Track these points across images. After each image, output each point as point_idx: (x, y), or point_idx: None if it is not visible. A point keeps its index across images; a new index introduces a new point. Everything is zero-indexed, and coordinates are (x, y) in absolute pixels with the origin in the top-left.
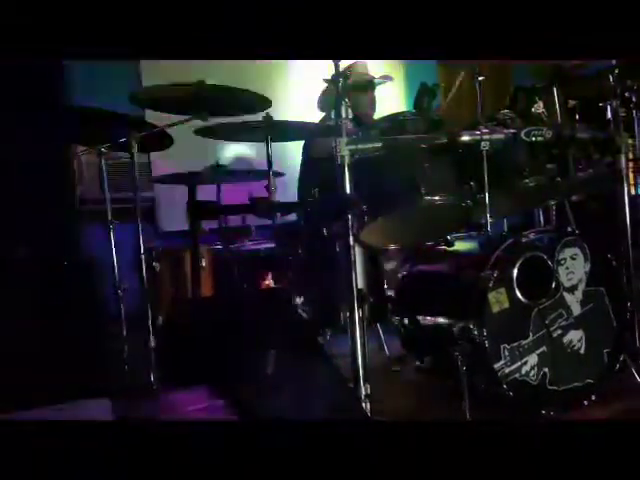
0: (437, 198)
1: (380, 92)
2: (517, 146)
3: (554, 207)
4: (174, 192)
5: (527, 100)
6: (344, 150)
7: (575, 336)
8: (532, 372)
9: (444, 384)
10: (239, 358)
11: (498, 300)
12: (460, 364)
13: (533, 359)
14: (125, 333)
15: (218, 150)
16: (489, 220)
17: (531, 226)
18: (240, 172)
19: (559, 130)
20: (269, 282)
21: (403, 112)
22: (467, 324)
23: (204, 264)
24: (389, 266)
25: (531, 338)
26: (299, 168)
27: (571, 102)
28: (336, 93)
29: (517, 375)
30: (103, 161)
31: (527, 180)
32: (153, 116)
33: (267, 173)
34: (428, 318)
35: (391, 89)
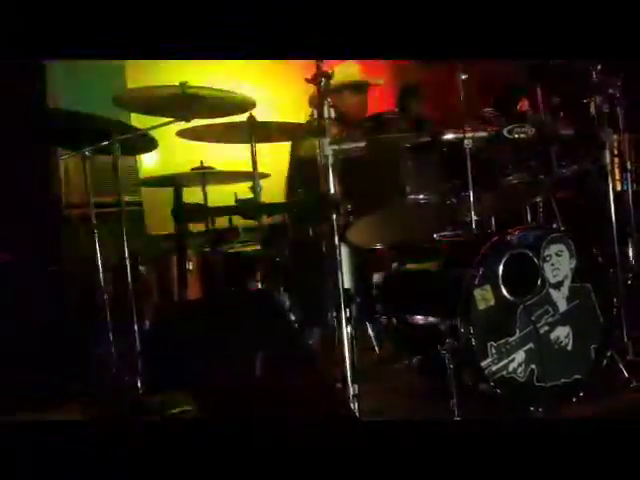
0: (422, 196)
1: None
2: (500, 144)
3: (541, 204)
4: (161, 195)
5: (512, 98)
6: (328, 150)
7: (562, 332)
8: (519, 369)
9: (433, 383)
10: (226, 360)
11: (484, 297)
12: (448, 362)
13: (520, 356)
14: (111, 337)
15: (203, 152)
16: (474, 218)
17: (518, 224)
18: (225, 174)
19: (542, 127)
20: (256, 284)
21: (387, 111)
22: (454, 322)
23: (191, 267)
24: (376, 265)
25: (518, 335)
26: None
27: (555, 99)
28: (318, 93)
29: (504, 372)
30: (87, 164)
31: (511, 177)
32: (140, 119)
33: (252, 174)
34: (416, 317)
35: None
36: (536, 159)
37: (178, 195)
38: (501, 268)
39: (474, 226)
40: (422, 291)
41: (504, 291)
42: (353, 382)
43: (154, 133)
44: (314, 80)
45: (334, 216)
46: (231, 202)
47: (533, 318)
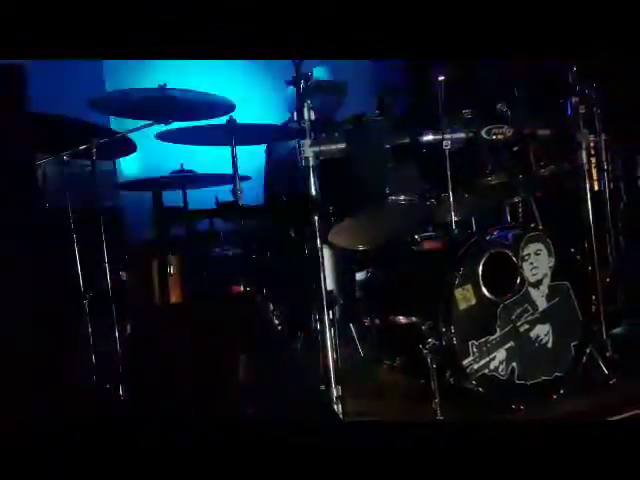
0: (402, 198)
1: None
2: (479, 145)
3: (520, 204)
4: (141, 199)
5: (489, 100)
6: (308, 152)
7: (542, 330)
8: (500, 367)
9: (416, 383)
10: (209, 364)
11: (465, 297)
12: (430, 362)
13: (501, 354)
14: (92, 343)
15: (183, 155)
16: (454, 218)
17: (497, 223)
18: (206, 177)
19: (519, 128)
20: (239, 287)
21: (366, 113)
22: (435, 322)
23: (172, 271)
24: (358, 267)
25: (498, 334)
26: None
27: (532, 100)
28: (298, 95)
29: (486, 371)
30: (65, 169)
31: (489, 178)
32: (119, 122)
33: (233, 177)
34: (398, 317)
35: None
36: (514, 160)
37: (158, 199)
38: (481, 268)
39: (454, 226)
40: (404, 292)
41: (484, 290)
42: (337, 384)
43: (133, 136)
44: (294, 82)
45: (316, 218)
46: (212, 205)
47: (513, 317)
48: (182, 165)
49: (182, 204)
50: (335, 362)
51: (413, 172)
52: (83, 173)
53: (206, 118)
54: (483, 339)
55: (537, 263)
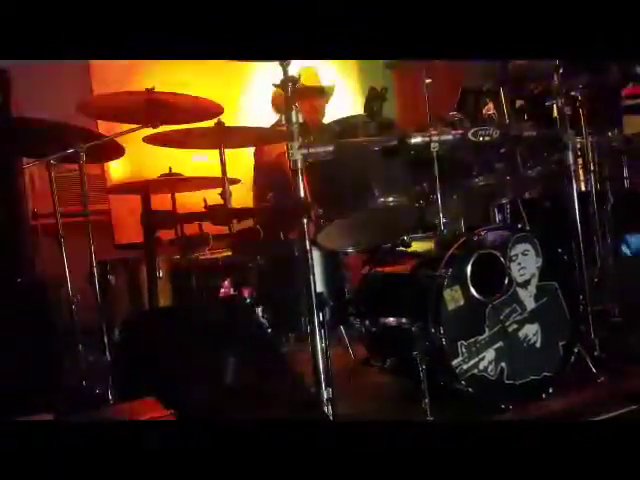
0: (391, 199)
1: (334, 98)
2: (466, 146)
3: (507, 205)
4: (129, 203)
5: (476, 101)
6: (297, 154)
7: (530, 330)
8: (490, 367)
9: (406, 384)
10: (198, 367)
11: (453, 298)
12: (419, 363)
13: (490, 354)
14: (80, 348)
15: (172, 158)
16: (443, 220)
17: (486, 225)
18: (194, 180)
19: (506, 129)
20: (228, 290)
21: (354, 115)
22: (425, 323)
23: (161, 275)
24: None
25: (487, 334)
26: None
27: (518, 102)
28: (285, 97)
29: (475, 371)
30: (53, 173)
31: (477, 179)
32: (107, 126)
33: (222, 180)
34: (388, 319)
35: (345, 93)
36: (502, 161)
37: (146, 202)
38: (469, 268)
39: (443, 228)
40: (393, 293)
41: (473, 291)
42: (327, 386)
43: (121, 140)
44: (281, 84)
45: (304, 220)
46: (201, 208)
47: (501, 317)
48: (170, 168)
49: (171, 207)
50: (325, 364)
51: (401, 174)
52: (73, 178)
53: (194, 121)
54: (472, 339)
55: (525, 263)
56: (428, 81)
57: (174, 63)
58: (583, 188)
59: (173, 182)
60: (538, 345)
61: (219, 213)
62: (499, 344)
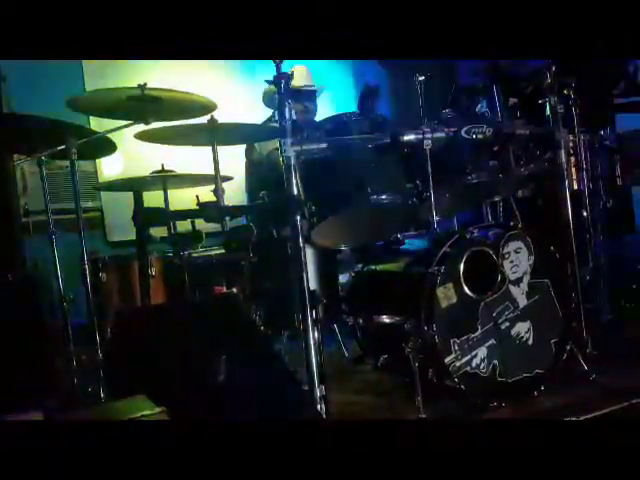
0: (384, 197)
1: (328, 95)
2: (459, 144)
3: (500, 203)
4: (121, 200)
5: (469, 99)
6: (290, 151)
7: (522, 328)
8: (482, 364)
9: (400, 381)
10: (190, 365)
11: (446, 295)
12: (412, 360)
13: (482, 352)
14: (72, 346)
15: (164, 155)
16: (435, 218)
17: (479, 222)
18: (187, 177)
19: (499, 127)
20: (221, 288)
21: (347, 113)
22: (418, 320)
23: (154, 272)
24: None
25: (480, 331)
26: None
27: (511, 100)
28: (278, 95)
29: (468, 368)
30: (44, 170)
31: (470, 177)
32: (100, 122)
33: (215, 177)
34: (381, 317)
35: (339, 91)
36: (495, 159)
37: (139, 199)
38: (462, 266)
39: (436, 225)
40: (387, 291)
41: (466, 288)
42: (320, 383)
43: (113, 136)
44: (274, 81)
45: (298, 218)
46: (193, 206)
47: (494, 314)
48: (163, 165)
49: (163, 204)
50: (318, 361)
51: (395, 171)
52: (65, 174)
53: (187, 117)
54: (465, 337)
55: (517, 261)
56: (421, 78)
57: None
58: (575, 186)
59: (165, 179)
60: (530, 342)
61: (212, 210)
62: (491, 341)
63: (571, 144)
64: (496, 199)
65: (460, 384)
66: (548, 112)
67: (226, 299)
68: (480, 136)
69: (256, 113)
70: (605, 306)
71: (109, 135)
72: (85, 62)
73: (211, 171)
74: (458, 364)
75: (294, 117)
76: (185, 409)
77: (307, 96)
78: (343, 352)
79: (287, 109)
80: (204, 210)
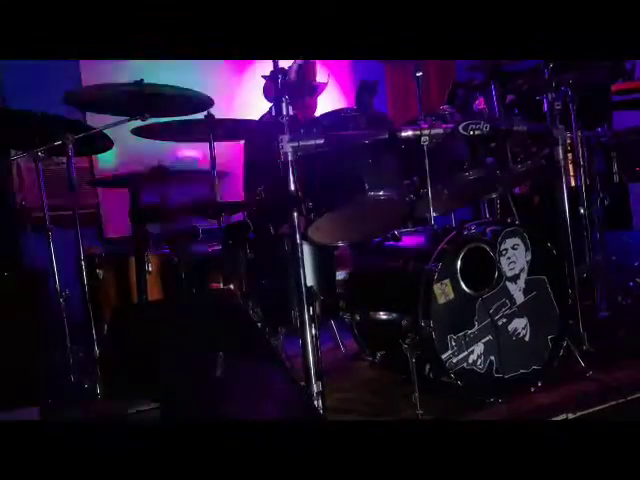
0: (381, 193)
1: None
2: (456, 140)
3: (498, 200)
4: (118, 197)
5: (467, 96)
6: (287, 147)
7: (519, 324)
8: (479, 361)
9: (397, 378)
10: (187, 362)
11: (443, 291)
12: (409, 356)
13: (479, 348)
14: (68, 343)
15: (161, 151)
16: (433, 214)
17: (476, 219)
18: (184, 173)
19: (496, 123)
20: (218, 284)
21: (344, 109)
22: (415, 317)
23: (150, 269)
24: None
25: (477, 327)
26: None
27: (509, 97)
28: (275, 90)
29: (465, 364)
30: (40, 166)
31: (467, 174)
32: (96, 118)
33: (211, 173)
34: (378, 313)
35: (337, 88)
36: (492, 155)
37: (135, 196)
38: (459, 263)
39: (433, 222)
40: (384, 288)
41: (463, 285)
42: (317, 379)
43: (110, 132)
44: (271, 77)
45: (295, 214)
46: (190, 202)
47: (491, 311)
48: (159, 161)
49: (160, 201)
50: (315, 358)
51: (392, 168)
52: (62, 170)
53: (184, 113)
54: (462, 333)
55: (514, 258)
56: (419, 74)
57: None
58: (573, 183)
59: (162, 175)
60: (527, 339)
61: (208, 207)
62: (488, 338)
63: (568, 141)
64: (493, 195)
65: (457, 380)
66: (545, 109)
67: (223, 296)
68: (478, 132)
69: (253, 109)
70: (602, 303)
71: (106, 131)
72: None
73: (207, 167)
74: (455, 360)
75: (291, 112)
76: (181, 405)
77: (309, 91)
78: (340, 348)
79: (284, 105)
80: (201, 206)
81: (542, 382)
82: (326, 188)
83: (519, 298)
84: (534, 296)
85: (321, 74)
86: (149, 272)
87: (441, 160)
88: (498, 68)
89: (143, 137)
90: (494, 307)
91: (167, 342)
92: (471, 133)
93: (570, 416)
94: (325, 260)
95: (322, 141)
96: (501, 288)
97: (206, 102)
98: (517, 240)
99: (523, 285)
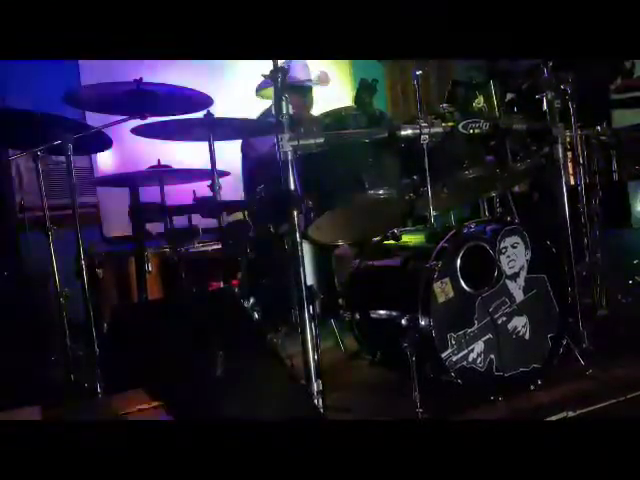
0: (381, 192)
1: (325, 90)
2: (456, 139)
3: (497, 198)
4: (118, 196)
5: (466, 94)
6: (287, 146)
7: (519, 322)
8: (479, 359)
9: (397, 376)
10: (187, 361)
11: (443, 290)
12: (409, 355)
13: (479, 346)
14: (68, 342)
15: (160, 150)
16: (432, 213)
17: (476, 217)
18: (183, 172)
19: (496, 122)
20: (218, 283)
21: (344, 107)
22: (415, 315)
23: (150, 268)
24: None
25: (476, 326)
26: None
27: (508, 95)
28: (275, 89)
29: (464, 363)
30: (40, 165)
31: (467, 172)
32: (95, 118)
33: (211, 172)
34: (378, 312)
35: (338, 87)
36: (491, 154)
37: (135, 195)
38: (459, 261)
39: (433, 220)
40: (384, 286)
41: (463, 283)
42: (317, 378)
43: (109, 131)
44: (271, 76)
45: (295, 213)
46: (190, 201)
47: (491, 309)
48: (159, 160)
49: (159, 200)
50: (315, 357)
51: (391, 166)
52: (61, 170)
53: (183, 112)
54: (461, 331)
55: (514, 256)
56: (418, 73)
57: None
58: (572, 181)
59: (162, 174)
60: (527, 337)
61: (208, 206)
62: (488, 336)
63: (568, 139)
64: (493, 194)
65: (457, 379)
66: (545, 107)
67: (223, 295)
68: (477, 131)
69: (252, 107)
70: (602, 301)
71: (105, 130)
72: None
73: (207, 166)
74: (455, 359)
75: (290, 110)
76: (182, 404)
77: (304, 90)
78: (340, 347)
79: (284, 104)
80: (201, 205)
81: (542, 380)
82: (326, 187)
83: (519, 296)
84: (534, 294)
85: (308, 73)
86: (149, 271)
87: (441, 159)
88: (498, 66)
89: (143, 136)
90: (494, 305)
91: (167, 341)
92: (471, 132)
93: (570, 414)
94: (325, 259)
95: (322, 140)
96: (501, 286)
97: (206, 101)
98: (517, 238)
99: (523, 283)
